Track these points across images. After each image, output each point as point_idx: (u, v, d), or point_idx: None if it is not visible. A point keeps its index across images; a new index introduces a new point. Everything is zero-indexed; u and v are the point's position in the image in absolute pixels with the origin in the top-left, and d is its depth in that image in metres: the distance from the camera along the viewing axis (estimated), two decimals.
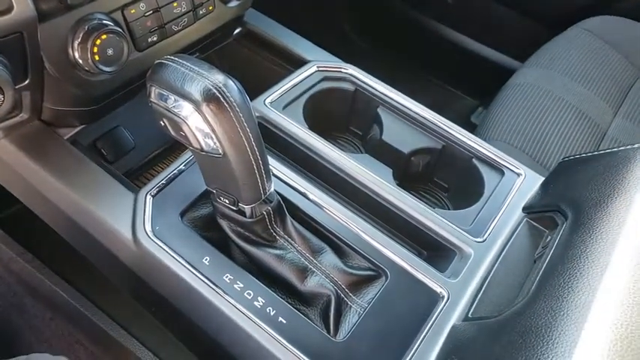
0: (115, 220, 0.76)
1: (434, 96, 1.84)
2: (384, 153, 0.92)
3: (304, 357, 0.64)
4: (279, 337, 0.65)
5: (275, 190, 0.72)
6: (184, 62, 0.59)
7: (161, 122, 0.62)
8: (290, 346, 0.65)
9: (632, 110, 1.31)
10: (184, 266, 0.71)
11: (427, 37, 1.90)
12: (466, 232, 0.80)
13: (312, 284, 0.72)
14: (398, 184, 0.86)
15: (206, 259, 0.71)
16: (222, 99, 0.58)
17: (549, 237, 0.74)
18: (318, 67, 1.00)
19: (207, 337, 0.72)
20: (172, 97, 0.58)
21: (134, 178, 0.99)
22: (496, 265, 0.76)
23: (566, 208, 0.72)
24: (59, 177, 0.80)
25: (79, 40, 0.72)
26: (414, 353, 0.67)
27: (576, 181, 0.75)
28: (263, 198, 0.69)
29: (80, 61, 0.73)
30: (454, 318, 0.70)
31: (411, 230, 0.82)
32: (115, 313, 1.10)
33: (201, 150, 0.62)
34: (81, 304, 1.09)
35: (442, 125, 0.93)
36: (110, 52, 0.73)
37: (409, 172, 0.95)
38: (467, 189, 0.91)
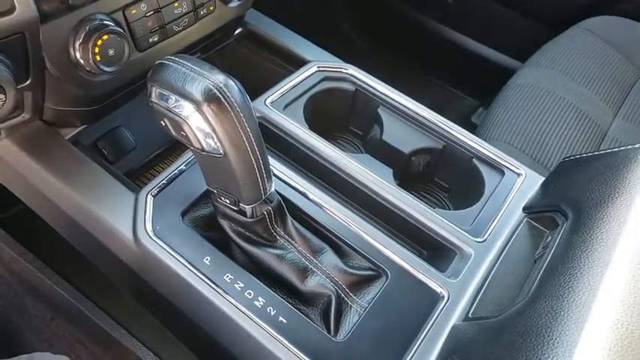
0: (115, 220, 0.76)
1: (434, 96, 1.84)
2: (384, 153, 0.92)
3: (304, 357, 0.65)
4: (280, 337, 0.66)
5: (275, 190, 0.72)
6: (185, 62, 0.59)
7: (162, 122, 0.62)
8: (290, 346, 0.65)
9: (632, 110, 1.31)
10: (185, 266, 0.71)
11: (427, 37, 1.90)
12: (466, 232, 0.80)
13: (312, 284, 0.72)
14: (398, 184, 0.86)
15: (207, 259, 0.71)
16: (222, 99, 0.58)
17: (550, 237, 0.74)
18: (318, 67, 1.00)
19: (207, 337, 0.72)
20: (173, 97, 0.58)
21: (135, 178, 0.99)
22: (496, 265, 0.76)
23: (567, 208, 0.72)
24: (60, 177, 0.80)
25: (81, 40, 0.72)
26: (414, 353, 0.67)
27: (577, 181, 0.75)
28: (263, 198, 0.69)
29: (81, 62, 0.73)
30: (454, 318, 0.70)
31: (411, 230, 0.82)
32: (115, 313, 1.10)
33: (202, 150, 0.62)
34: (82, 304, 1.09)
35: (442, 125, 0.93)
36: (111, 52, 0.73)
37: (409, 172, 0.95)
38: (467, 189, 0.91)
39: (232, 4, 0.94)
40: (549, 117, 1.21)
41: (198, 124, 0.59)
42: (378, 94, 0.98)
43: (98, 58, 0.73)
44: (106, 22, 0.73)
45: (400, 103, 0.96)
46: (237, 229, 0.73)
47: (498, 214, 0.83)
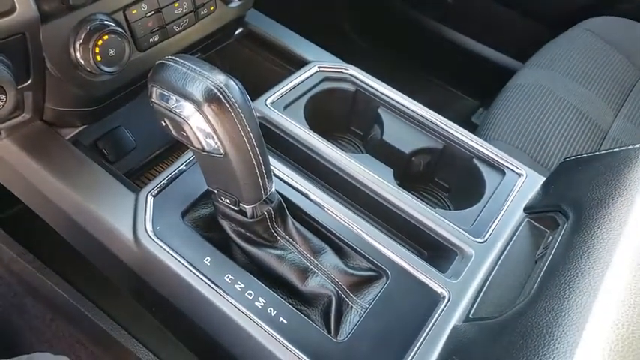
0: (115, 220, 0.76)
1: (434, 96, 1.84)
2: (384, 153, 0.92)
3: (305, 357, 0.64)
4: (280, 338, 0.65)
5: (276, 190, 0.72)
6: (185, 62, 0.59)
7: (162, 122, 0.62)
8: (291, 347, 0.65)
9: (633, 111, 1.31)
10: (185, 266, 0.71)
11: (427, 37, 1.90)
12: (467, 233, 0.80)
13: (313, 284, 0.72)
14: (399, 185, 0.86)
15: (207, 260, 0.71)
16: (223, 99, 0.58)
17: (550, 237, 0.74)
18: (319, 67, 1.00)
19: (207, 337, 0.72)
20: (174, 97, 0.58)
21: (135, 179, 0.99)
22: (497, 266, 0.76)
23: (567, 208, 0.72)
24: (60, 177, 0.80)
25: (81, 40, 0.72)
26: (414, 354, 0.67)
27: (577, 181, 0.75)
28: (264, 198, 0.69)
29: (82, 62, 0.73)
30: (455, 318, 0.70)
31: (411, 230, 0.82)
32: (115, 314, 1.10)
33: (203, 150, 0.62)
34: (81, 305, 1.09)
35: (443, 125, 0.93)
36: (112, 52, 0.73)
37: (410, 173, 0.95)
38: (468, 189, 0.91)
39: (233, 5, 0.94)
40: (550, 117, 1.21)
41: (199, 125, 0.59)
42: (379, 94, 0.98)
43: (99, 58, 0.73)
44: (106, 22, 0.73)
45: (400, 104, 0.96)
46: (238, 230, 0.73)
47: (499, 214, 0.83)
